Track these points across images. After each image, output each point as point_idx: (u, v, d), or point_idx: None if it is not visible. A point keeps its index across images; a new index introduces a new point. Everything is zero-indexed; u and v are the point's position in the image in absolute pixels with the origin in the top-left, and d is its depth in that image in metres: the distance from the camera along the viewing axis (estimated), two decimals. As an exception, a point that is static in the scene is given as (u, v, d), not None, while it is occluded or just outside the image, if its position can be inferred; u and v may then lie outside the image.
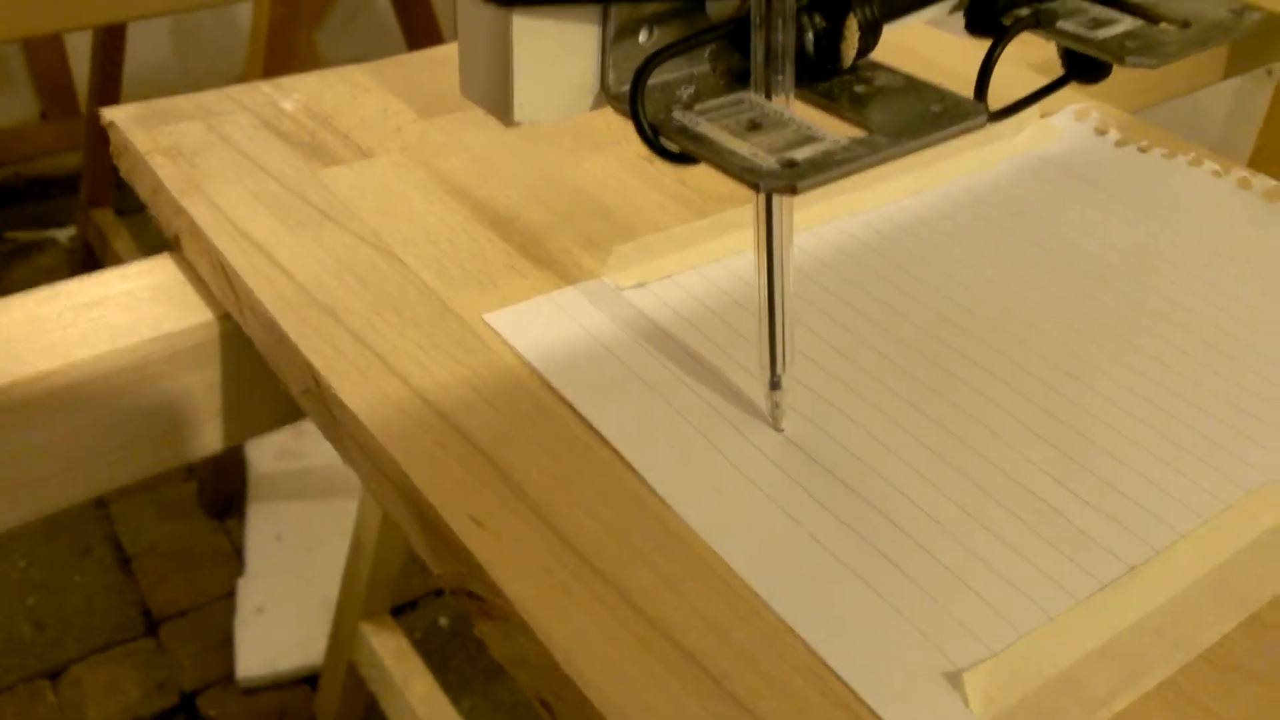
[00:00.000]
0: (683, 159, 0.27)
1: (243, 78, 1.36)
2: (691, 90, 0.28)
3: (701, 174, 0.43)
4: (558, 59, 0.26)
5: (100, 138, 1.42)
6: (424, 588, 1.18)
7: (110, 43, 1.23)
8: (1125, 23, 0.31)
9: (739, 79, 0.28)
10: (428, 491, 0.29)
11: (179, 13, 0.79)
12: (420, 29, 1.20)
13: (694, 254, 0.39)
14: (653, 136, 0.26)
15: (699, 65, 0.28)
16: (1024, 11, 0.31)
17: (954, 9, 0.32)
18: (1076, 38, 0.31)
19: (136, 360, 0.37)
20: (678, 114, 0.27)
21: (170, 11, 0.72)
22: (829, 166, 0.25)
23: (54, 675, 1.09)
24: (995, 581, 0.27)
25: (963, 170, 0.44)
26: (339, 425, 0.33)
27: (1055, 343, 0.35)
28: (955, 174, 0.44)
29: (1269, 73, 0.87)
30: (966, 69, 0.50)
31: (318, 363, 0.33)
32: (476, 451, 0.31)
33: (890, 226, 0.41)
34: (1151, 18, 0.32)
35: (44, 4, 0.65)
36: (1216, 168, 0.44)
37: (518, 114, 0.27)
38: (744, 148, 0.25)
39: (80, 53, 1.49)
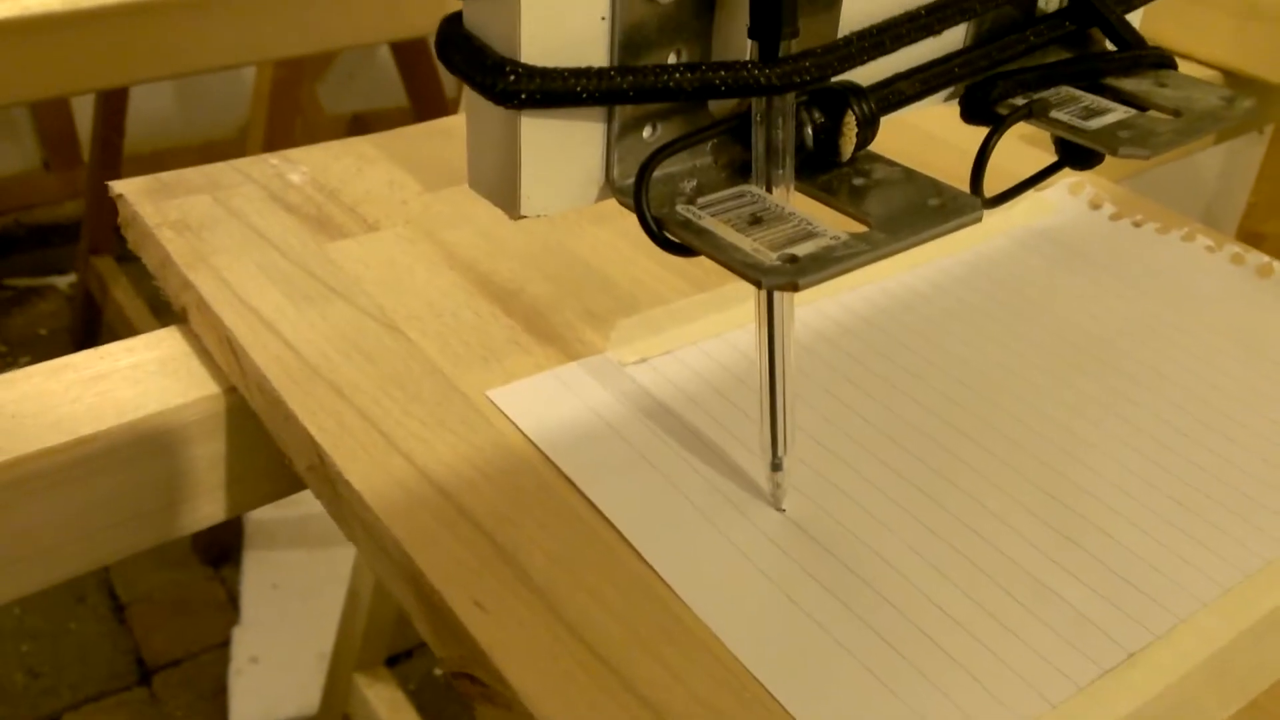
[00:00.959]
0: (685, 250, 0.27)
1: (246, 132, 1.37)
2: (694, 183, 0.28)
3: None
4: (564, 155, 0.27)
5: (102, 187, 1.43)
6: (419, 637, 1.18)
7: (113, 94, 1.25)
8: (1117, 112, 0.32)
9: (740, 171, 0.29)
10: (430, 573, 0.30)
11: (181, 76, 0.80)
12: (423, 84, 1.22)
13: (695, 329, 0.39)
14: (657, 230, 0.27)
15: (701, 158, 0.29)
16: (1019, 101, 0.32)
17: (949, 98, 0.33)
18: (1070, 128, 0.31)
19: (143, 434, 0.37)
20: (681, 208, 0.27)
21: (173, 76, 0.73)
22: (829, 263, 0.25)
23: (47, 725, 1.08)
24: (997, 668, 0.27)
25: (958, 244, 0.44)
26: (343, 503, 0.33)
27: (1052, 420, 0.36)
28: (951, 248, 0.44)
29: (1260, 132, 0.88)
30: (958, 139, 0.51)
31: (323, 440, 0.33)
32: (479, 532, 0.31)
33: (888, 300, 0.41)
34: (1142, 106, 0.33)
35: (49, 69, 0.66)
36: (1210, 243, 0.45)
37: (525, 208, 0.27)
38: (746, 243, 0.26)
39: (84, 103, 1.51)
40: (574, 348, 0.38)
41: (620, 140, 0.27)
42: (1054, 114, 0.32)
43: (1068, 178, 0.49)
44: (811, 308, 0.41)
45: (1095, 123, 0.31)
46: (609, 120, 0.27)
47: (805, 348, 0.39)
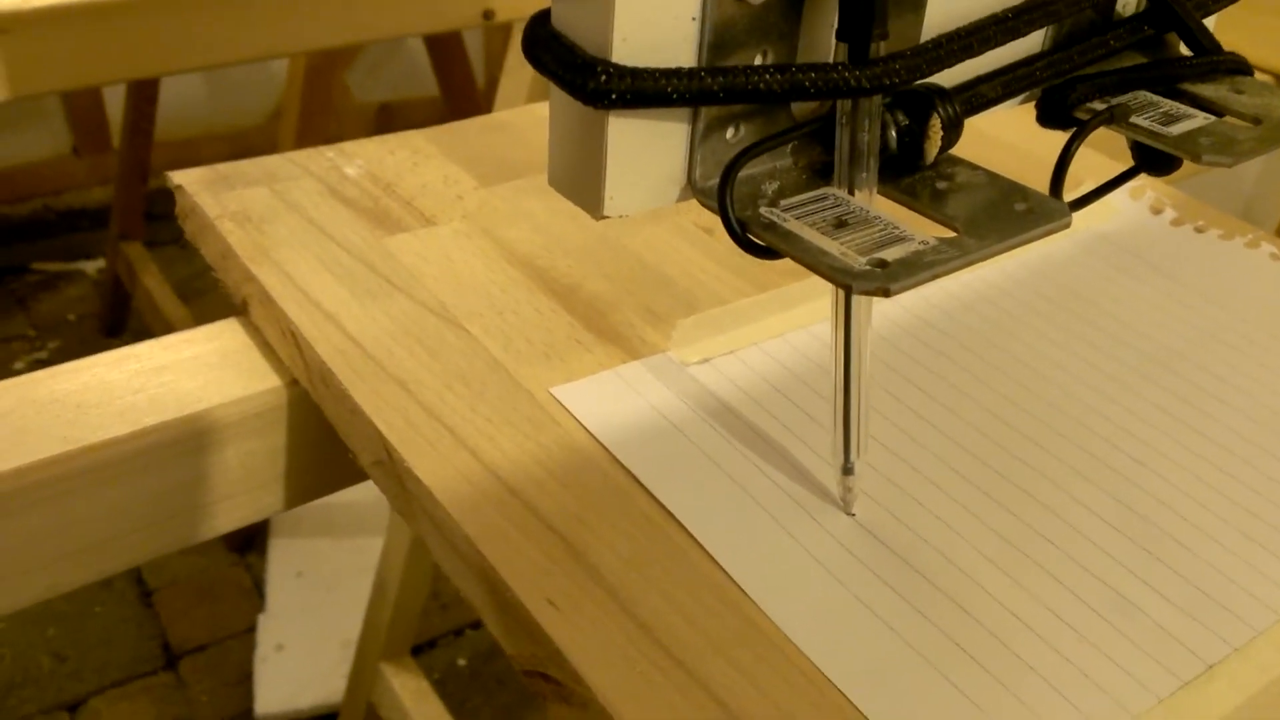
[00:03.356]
0: (769, 253, 0.27)
1: (277, 120, 1.37)
2: (775, 185, 0.28)
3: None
4: (648, 155, 0.27)
5: (132, 173, 1.42)
6: (443, 627, 1.18)
7: (144, 81, 1.25)
8: (1197, 118, 0.32)
9: (820, 173, 0.29)
10: (503, 571, 0.30)
11: (219, 67, 0.80)
12: (454, 74, 1.22)
13: (756, 329, 0.39)
14: (740, 232, 0.27)
15: (782, 159, 0.29)
16: (1098, 105, 0.32)
17: (1024, 100, 0.33)
18: (1151, 134, 0.31)
19: (205, 426, 0.37)
20: (764, 210, 0.27)
21: (210, 67, 0.73)
22: (920, 268, 0.25)
23: (72, 708, 1.09)
24: (1076, 678, 0.27)
25: (1018, 247, 0.44)
26: (412, 499, 0.33)
27: (1121, 428, 0.35)
28: (1011, 250, 0.44)
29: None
30: (1018, 140, 0.51)
31: (391, 436, 0.33)
32: (549, 531, 0.31)
33: (952, 303, 0.41)
34: (1219, 112, 0.32)
35: (83, 59, 0.66)
36: (1274, 250, 0.44)
37: (607, 207, 0.27)
38: (834, 247, 0.26)
39: (114, 89, 1.51)
40: (635, 346, 0.38)
41: (704, 141, 0.27)
42: (1134, 119, 0.31)
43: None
44: (875, 308, 0.40)
45: (1176, 129, 0.31)
46: (693, 121, 0.27)
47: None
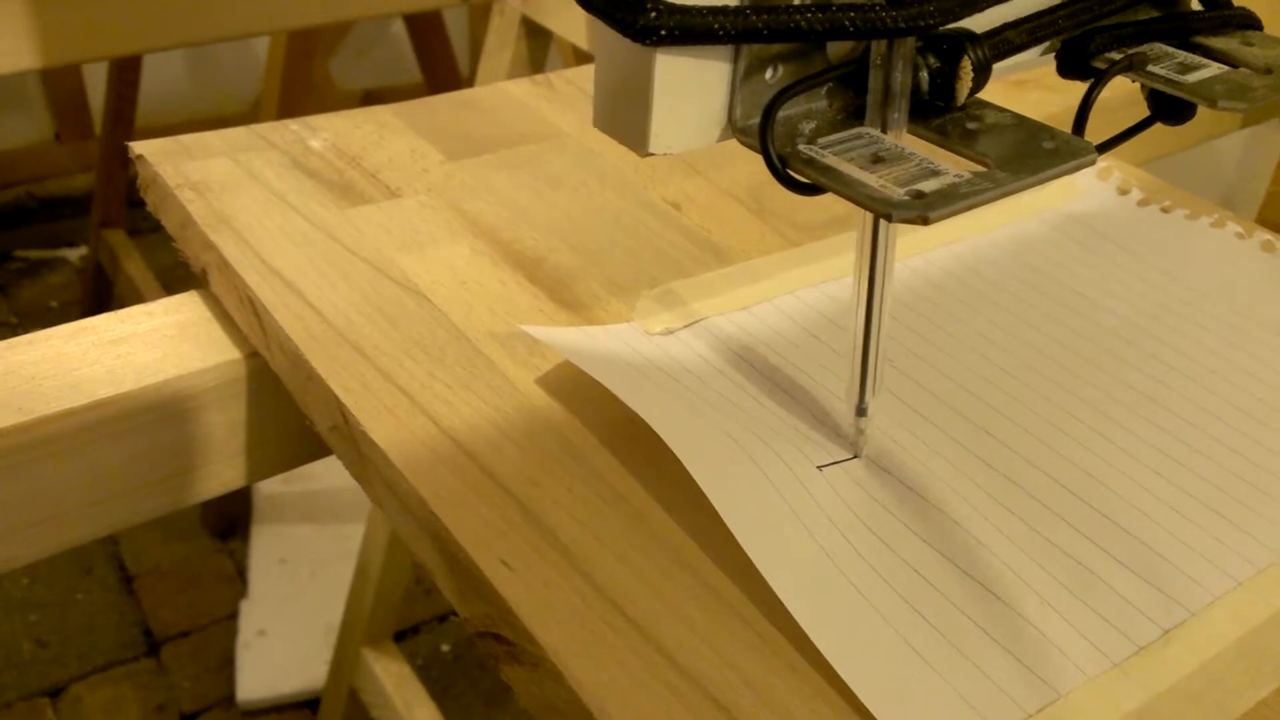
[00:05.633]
0: (807, 190, 0.27)
1: (259, 104, 1.37)
2: (812, 125, 0.29)
3: (725, 225, 0.44)
4: (693, 94, 0.27)
5: (114, 159, 1.42)
6: (426, 613, 1.18)
7: (126, 66, 1.24)
8: (1211, 68, 0.32)
9: (854, 115, 0.29)
10: (457, 532, 0.29)
11: (196, 45, 0.80)
12: (436, 58, 1.21)
13: (721, 302, 0.39)
14: (781, 168, 0.27)
15: (816, 101, 0.29)
16: (1116, 55, 0.32)
17: (1044, 52, 0.33)
18: (1169, 81, 0.32)
19: (163, 398, 0.37)
20: (803, 147, 0.28)
21: (187, 44, 0.73)
22: (956, 198, 0.25)
23: (54, 694, 1.09)
24: (1033, 641, 0.27)
25: (986, 223, 0.44)
26: (367, 463, 0.33)
27: (1085, 402, 0.35)
28: (981, 225, 0.44)
29: (1281, 119, 0.87)
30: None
31: (347, 400, 0.33)
32: (505, 493, 0.31)
33: (917, 280, 0.41)
34: (1231, 63, 0.33)
35: (62, 36, 0.66)
36: (1239, 230, 0.44)
37: (653, 144, 0.27)
38: (872, 179, 0.26)
39: (96, 75, 1.51)
40: (599, 317, 0.38)
41: (745, 82, 0.28)
42: (1151, 68, 0.32)
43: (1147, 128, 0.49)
44: (840, 283, 0.40)
45: (1191, 77, 0.32)
46: (735, 61, 0.27)
47: (831, 320, 0.38)
